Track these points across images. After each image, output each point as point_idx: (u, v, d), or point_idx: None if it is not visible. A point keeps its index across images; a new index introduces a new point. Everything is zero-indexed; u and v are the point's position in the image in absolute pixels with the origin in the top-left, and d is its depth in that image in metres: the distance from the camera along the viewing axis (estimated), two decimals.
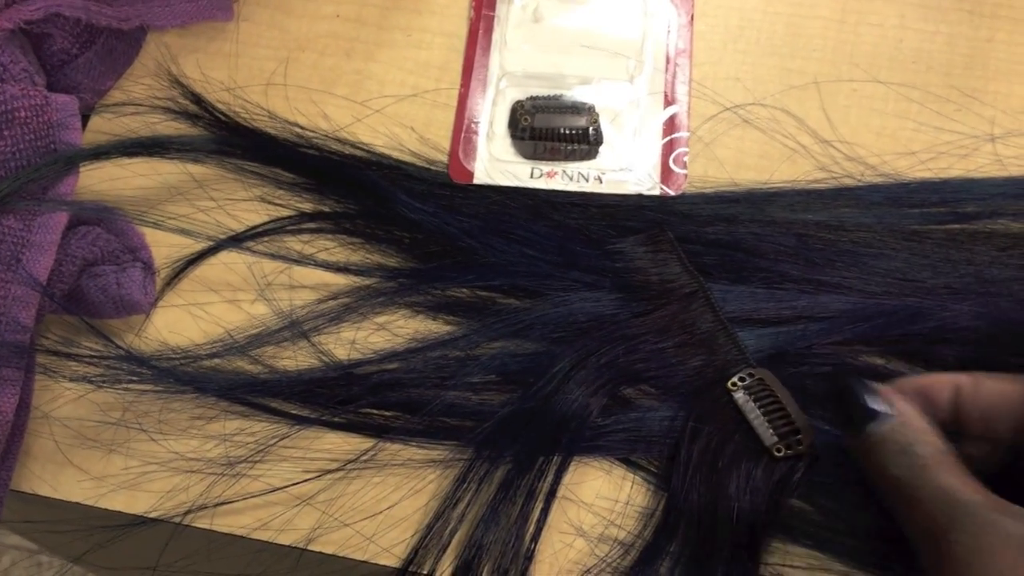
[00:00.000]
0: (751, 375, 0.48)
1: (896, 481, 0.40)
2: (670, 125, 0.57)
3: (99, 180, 0.55)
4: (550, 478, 0.48)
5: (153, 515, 0.48)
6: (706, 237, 0.53)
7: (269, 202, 0.55)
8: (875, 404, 0.41)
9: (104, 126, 0.57)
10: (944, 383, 0.43)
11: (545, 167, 0.56)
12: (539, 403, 0.48)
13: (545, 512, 0.47)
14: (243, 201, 0.55)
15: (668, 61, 0.58)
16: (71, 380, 0.50)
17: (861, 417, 0.41)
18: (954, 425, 0.43)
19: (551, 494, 0.48)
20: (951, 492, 0.38)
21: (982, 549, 0.36)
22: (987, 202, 0.53)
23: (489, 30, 0.60)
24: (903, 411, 0.41)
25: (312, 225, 0.55)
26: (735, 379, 0.48)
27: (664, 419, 0.49)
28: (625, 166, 0.56)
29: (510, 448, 0.48)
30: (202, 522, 0.48)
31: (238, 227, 0.54)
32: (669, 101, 0.57)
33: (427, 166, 0.56)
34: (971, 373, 0.43)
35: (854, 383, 0.42)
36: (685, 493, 0.47)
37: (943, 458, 0.40)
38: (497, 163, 0.56)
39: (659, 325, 0.50)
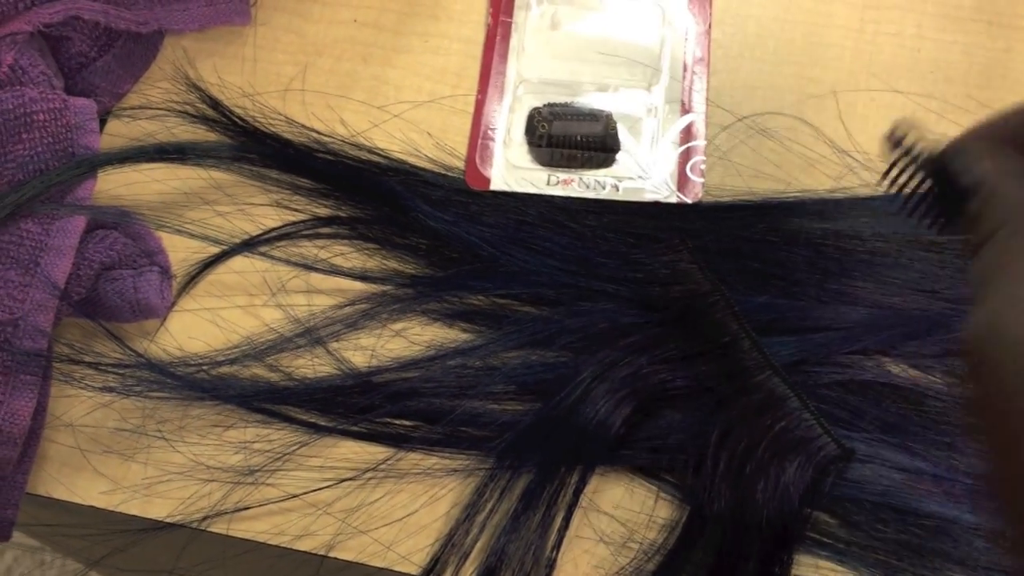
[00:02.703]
0: None
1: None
2: (687, 133, 0.57)
3: (116, 184, 0.55)
4: (572, 488, 0.48)
5: (171, 520, 0.48)
6: (723, 246, 0.53)
7: (286, 207, 0.55)
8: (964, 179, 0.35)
9: (121, 129, 0.57)
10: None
11: (562, 174, 0.56)
12: (562, 413, 0.48)
13: (567, 522, 0.47)
14: (261, 206, 0.55)
15: (685, 69, 0.58)
16: (92, 390, 0.49)
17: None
18: None
19: (573, 504, 0.48)
20: None
21: None
22: None
23: (507, 36, 0.60)
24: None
25: (328, 230, 0.55)
26: None
27: (689, 428, 0.49)
28: (642, 174, 0.56)
29: (532, 458, 0.48)
30: (219, 527, 0.48)
31: (255, 231, 0.54)
32: (686, 109, 0.57)
33: (444, 172, 0.56)
34: None
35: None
36: (711, 501, 0.47)
37: None
38: (514, 170, 0.56)
39: (681, 335, 0.50)
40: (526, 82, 0.58)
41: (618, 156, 0.56)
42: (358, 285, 0.53)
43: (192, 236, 0.53)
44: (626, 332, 0.50)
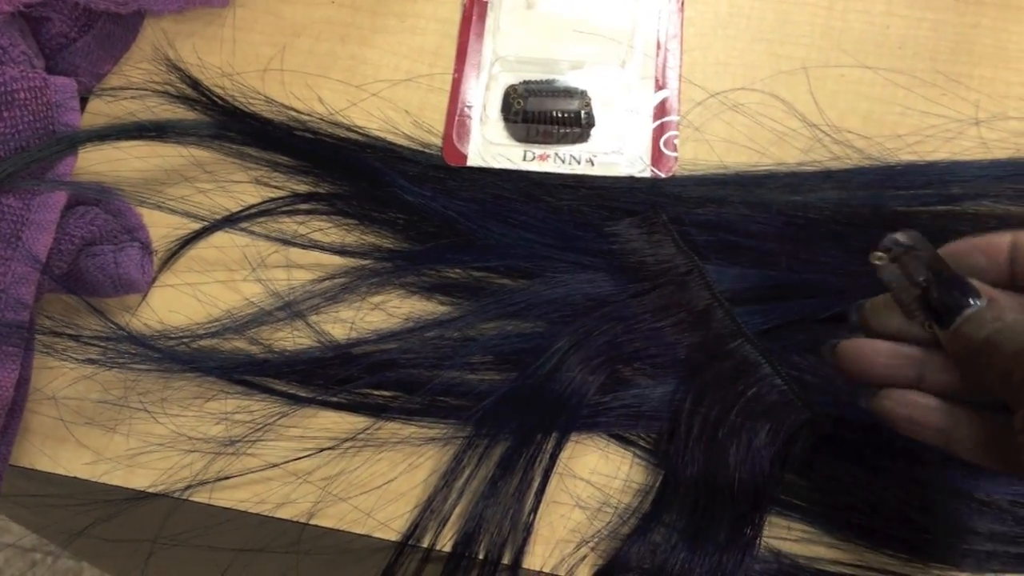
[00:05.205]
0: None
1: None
2: (660, 109, 0.58)
3: (97, 161, 0.56)
4: (548, 455, 0.49)
5: (153, 490, 0.49)
6: (696, 218, 0.54)
7: (266, 184, 0.56)
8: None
9: (103, 109, 0.57)
10: (1002, 240, 0.40)
11: (538, 150, 0.57)
12: (538, 381, 0.49)
13: (543, 487, 0.48)
14: (241, 183, 0.56)
15: (658, 46, 0.59)
16: (75, 362, 0.50)
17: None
18: (1012, 282, 0.41)
19: (549, 470, 0.48)
20: None
21: None
22: (971, 184, 0.54)
23: (482, 16, 0.60)
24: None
25: (307, 206, 0.56)
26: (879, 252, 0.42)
27: (663, 395, 0.50)
28: (616, 149, 0.57)
29: (509, 425, 0.49)
30: (201, 496, 0.49)
31: (236, 208, 0.55)
32: (659, 86, 0.58)
33: (422, 149, 0.57)
34: None
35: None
36: (684, 464, 0.48)
37: None
38: (490, 146, 0.57)
39: (656, 304, 0.51)
40: (502, 60, 0.59)
41: (593, 132, 0.57)
42: (337, 259, 0.54)
43: (173, 212, 0.54)
44: (601, 302, 0.51)
